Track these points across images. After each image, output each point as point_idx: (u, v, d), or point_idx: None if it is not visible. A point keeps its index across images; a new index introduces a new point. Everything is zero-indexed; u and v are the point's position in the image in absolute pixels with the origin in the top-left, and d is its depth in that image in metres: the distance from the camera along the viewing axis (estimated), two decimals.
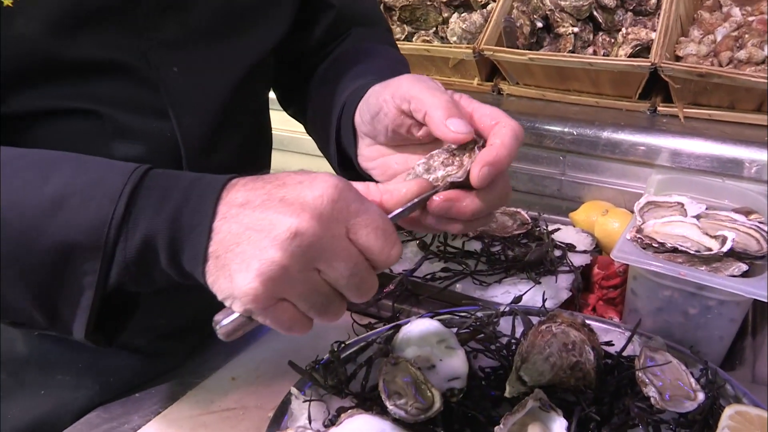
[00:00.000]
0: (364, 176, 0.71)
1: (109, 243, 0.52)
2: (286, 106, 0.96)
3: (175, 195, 0.53)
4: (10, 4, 0.57)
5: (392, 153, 0.68)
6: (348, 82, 0.75)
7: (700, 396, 0.64)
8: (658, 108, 1.22)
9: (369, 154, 0.69)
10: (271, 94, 0.91)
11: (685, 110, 1.19)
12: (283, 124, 0.99)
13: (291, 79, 0.90)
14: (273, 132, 0.93)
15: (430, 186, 0.59)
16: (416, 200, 0.57)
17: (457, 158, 0.61)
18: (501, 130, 0.59)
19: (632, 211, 1.11)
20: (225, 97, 0.73)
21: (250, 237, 0.49)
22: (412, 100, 0.61)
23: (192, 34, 0.69)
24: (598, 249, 1.09)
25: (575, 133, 1.22)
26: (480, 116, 0.61)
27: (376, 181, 0.66)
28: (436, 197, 0.58)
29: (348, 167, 0.74)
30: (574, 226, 1.14)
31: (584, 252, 1.05)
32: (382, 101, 0.64)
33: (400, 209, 0.56)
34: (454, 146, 0.62)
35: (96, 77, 0.64)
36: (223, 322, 0.53)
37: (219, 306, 0.54)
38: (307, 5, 0.84)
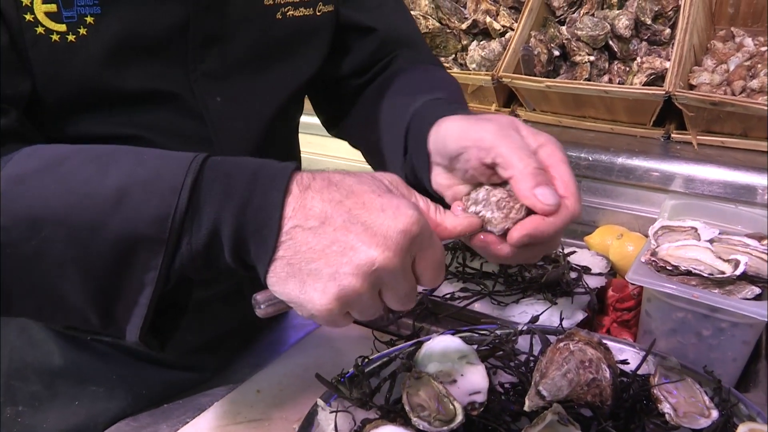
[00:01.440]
0: (433, 195, 0.71)
1: (173, 236, 0.52)
2: (330, 126, 0.98)
3: (238, 187, 0.53)
4: (74, 40, 0.61)
5: (466, 184, 0.69)
6: (409, 98, 0.76)
7: (714, 414, 0.66)
8: (672, 135, 1.24)
9: (442, 182, 0.70)
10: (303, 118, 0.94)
11: (698, 137, 1.21)
12: (305, 146, 1.03)
13: (336, 101, 0.92)
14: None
15: (479, 225, 0.63)
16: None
17: (512, 203, 0.63)
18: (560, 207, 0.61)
19: (646, 235, 1.13)
20: (265, 124, 0.77)
21: (329, 257, 0.51)
22: (497, 157, 0.62)
23: (233, 65, 0.73)
24: (613, 272, 1.10)
25: (590, 158, 1.24)
26: (553, 179, 0.63)
27: (442, 199, 0.70)
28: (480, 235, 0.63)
29: (412, 182, 0.75)
30: (589, 249, 1.16)
31: (599, 274, 1.07)
32: (461, 148, 0.65)
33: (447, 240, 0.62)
34: None
35: (144, 106, 0.68)
36: (263, 306, 0.56)
37: (245, 322, 0.57)
38: (348, 30, 0.86)
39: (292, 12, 0.77)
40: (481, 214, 0.64)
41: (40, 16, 0.60)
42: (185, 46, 0.68)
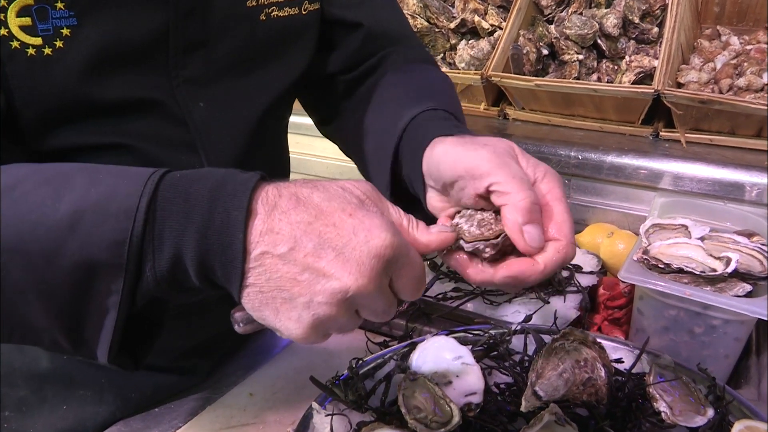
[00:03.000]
0: (428, 215, 0.70)
1: (132, 261, 0.50)
2: (322, 126, 0.96)
3: (198, 207, 0.51)
4: (51, 53, 0.60)
5: (460, 207, 0.67)
6: (399, 108, 0.74)
7: (710, 412, 0.66)
8: (661, 133, 1.25)
9: (436, 204, 0.69)
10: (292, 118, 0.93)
11: (687, 135, 1.22)
12: (293, 146, 1.02)
13: (326, 100, 0.91)
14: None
15: (452, 239, 0.61)
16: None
17: (493, 226, 0.62)
18: (550, 250, 0.60)
19: (637, 233, 1.14)
20: (251, 128, 0.76)
21: (302, 285, 0.50)
22: (492, 186, 0.60)
23: (217, 70, 0.72)
24: (604, 270, 1.11)
25: (580, 157, 1.24)
26: (548, 218, 0.61)
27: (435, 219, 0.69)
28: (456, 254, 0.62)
29: (399, 195, 0.74)
30: (579, 248, 1.17)
31: (590, 273, 1.07)
32: (455, 176, 0.63)
33: None
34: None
35: (127, 115, 0.66)
36: (241, 324, 0.56)
37: (230, 330, 0.56)
38: (334, 26, 0.85)
39: (276, 12, 0.76)
40: (459, 226, 0.63)
41: (15, 30, 0.58)
42: (166, 52, 0.67)
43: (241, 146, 0.75)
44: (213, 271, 0.52)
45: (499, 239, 0.61)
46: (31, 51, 0.59)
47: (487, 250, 0.61)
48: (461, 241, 0.62)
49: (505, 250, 0.62)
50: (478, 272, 0.61)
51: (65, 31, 0.60)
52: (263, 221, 0.50)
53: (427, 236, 0.58)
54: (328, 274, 0.50)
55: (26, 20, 0.58)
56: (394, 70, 0.85)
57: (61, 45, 0.60)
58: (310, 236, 0.50)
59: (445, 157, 0.64)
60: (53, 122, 0.64)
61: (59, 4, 0.59)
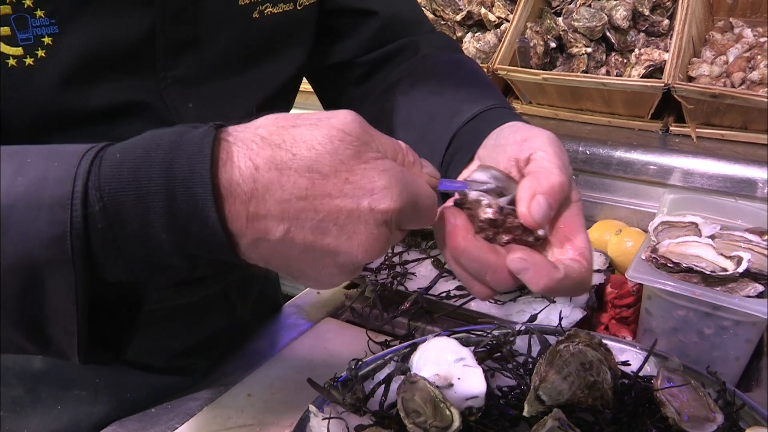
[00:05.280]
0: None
1: (79, 253, 0.44)
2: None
3: (154, 190, 0.44)
4: (32, 63, 0.57)
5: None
6: (456, 102, 0.69)
7: (720, 418, 0.64)
8: (671, 128, 1.23)
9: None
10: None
11: (697, 130, 1.20)
12: None
13: (337, 87, 0.87)
14: None
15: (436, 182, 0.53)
16: None
17: (508, 219, 0.53)
18: (575, 266, 0.52)
19: (645, 231, 1.12)
20: None
21: (307, 261, 0.47)
22: (534, 154, 0.54)
23: (208, 70, 0.69)
24: (612, 268, 1.09)
25: (588, 152, 1.23)
26: (572, 243, 0.54)
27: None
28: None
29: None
30: None
31: (598, 271, 1.05)
32: (509, 142, 0.58)
33: None
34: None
35: (115, 119, 0.64)
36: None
37: (233, 324, 0.54)
38: (345, 15, 0.82)
39: (270, 9, 0.73)
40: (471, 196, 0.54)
41: None
42: (153, 54, 0.65)
43: None
44: (201, 257, 0.47)
45: (505, 209, 0.52)
46: (11, 62, 0.57)
47: (489, 210, 0.52)
48: (465, 202, 0.53)
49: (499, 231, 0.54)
50: (469, 239, 0.52)
51: (47, 40, 0.58)
52: (244, 205, 0.44)
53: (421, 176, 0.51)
54: (335, 250, 0.46)
55: (5, 30, 0.56)
56: (431, 61, 0.81)
57: (43, 54, 0.58)
58: (307, 213, 0.44)
59: (511, 126, 0.60)
60: (40, 131, 0.61)
61: (39, 12, 0.56)
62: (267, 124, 0.47)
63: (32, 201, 0.44)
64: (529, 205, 0.51)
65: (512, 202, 0.54)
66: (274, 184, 0.44)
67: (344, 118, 0.47)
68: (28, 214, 0.44)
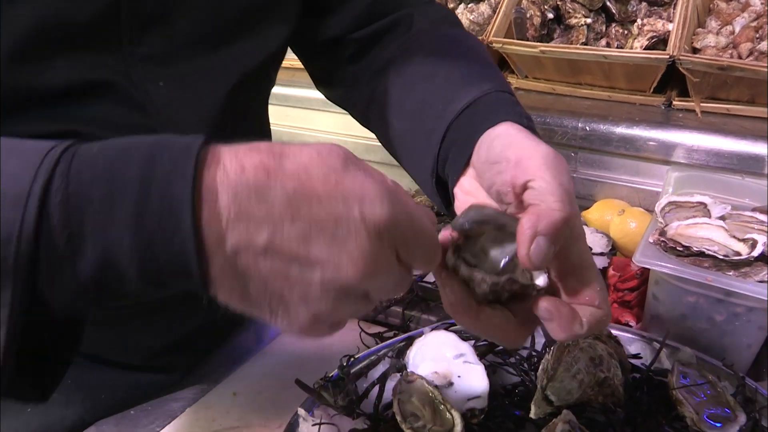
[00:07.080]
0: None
1: (22, 266, 0.38)
2: (325, 89, 0.86)
3: (128, 200, 0.39)
4: None
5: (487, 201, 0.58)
6: (453, 86, 0.65)
7: (741, 417, 0.60)
8: (674, 102, 1.17)
9: (467, 187, 0.60)
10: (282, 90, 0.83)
11: (702, 104, 1.14)
12: (279, 119, 0.94)
13: (328, 64, 0.82)
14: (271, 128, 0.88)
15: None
16: None
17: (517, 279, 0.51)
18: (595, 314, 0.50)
19: (648, 210, 1.07)
20: (218, 108, 0.67)
21: (291, 281, 0.41)
22: (531, 183, 0.50)
23: (180, 46, 0.63)
24: (613, 251, 1.04)
25: (587, 128, 1.17)
26: (589, 285, 0.51)
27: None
28: None
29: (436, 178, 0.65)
30: (587, 226, 1.10)
31: (601, 254, 1.00)
32: (504, 158, 0.54)
33: None
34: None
35: (74, 100, 0.58)
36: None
37: (215, 318, 0.48)
38: None
39: None
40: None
41: None
42: (118, 29, 0.59)
43: (207, 128, 0.66)
44: (166, 282, 0.41)
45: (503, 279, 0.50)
46: None
47: (484, 285, 0.49)
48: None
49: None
50: (471, 315, 0.50)
51: None
52: (226, 205, 0.39)
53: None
54: (321, 262, 0.41)
55: None
56: (425, 37, 0.76)
57: None
58: (293, 217, 0.40)
59: (504, 136, 0.56)
60: None
61: None
62: (255, 143, 0.43)
63: None
64: (529, 249, 0.47)
65: (512, 259, 0.51)
66: (260, 185, 0.40)
67: (330, 144, 0.44)
68: None
